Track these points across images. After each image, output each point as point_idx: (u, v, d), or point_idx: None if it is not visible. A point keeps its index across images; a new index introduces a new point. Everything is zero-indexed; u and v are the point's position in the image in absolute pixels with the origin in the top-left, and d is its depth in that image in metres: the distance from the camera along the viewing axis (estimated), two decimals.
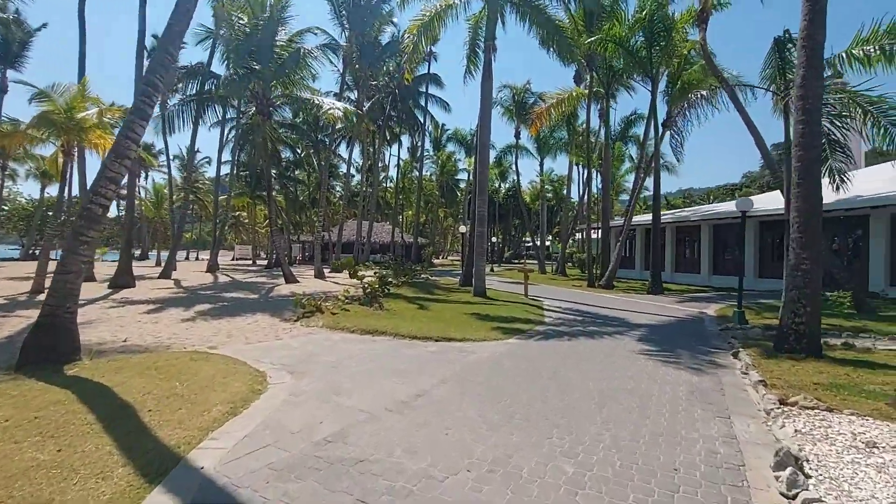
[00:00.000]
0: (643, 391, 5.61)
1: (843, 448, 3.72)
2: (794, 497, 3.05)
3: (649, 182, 24.46)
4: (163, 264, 26.38)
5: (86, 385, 5.37)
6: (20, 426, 4.09)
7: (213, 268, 27.33)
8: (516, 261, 56.57)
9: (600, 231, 24.89)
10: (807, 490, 3.07)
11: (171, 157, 36.63)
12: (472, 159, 31.72)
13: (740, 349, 7.78)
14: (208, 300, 14.18)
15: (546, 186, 43.04)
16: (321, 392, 5.40)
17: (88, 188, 12.99)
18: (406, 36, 17.86)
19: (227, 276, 25.26)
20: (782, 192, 12.79)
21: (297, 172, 41.51)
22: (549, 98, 25.75)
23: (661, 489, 3.30)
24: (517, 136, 35.10)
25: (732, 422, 4.62)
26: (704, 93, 15.57)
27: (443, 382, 5.83)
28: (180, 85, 24.95)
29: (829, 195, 9.77)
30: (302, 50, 20.45)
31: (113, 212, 51.77)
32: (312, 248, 30.07)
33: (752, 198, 12.96)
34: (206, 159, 55.59)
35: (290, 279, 20.19)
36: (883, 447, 3.69)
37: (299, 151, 39.17)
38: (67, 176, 17.22)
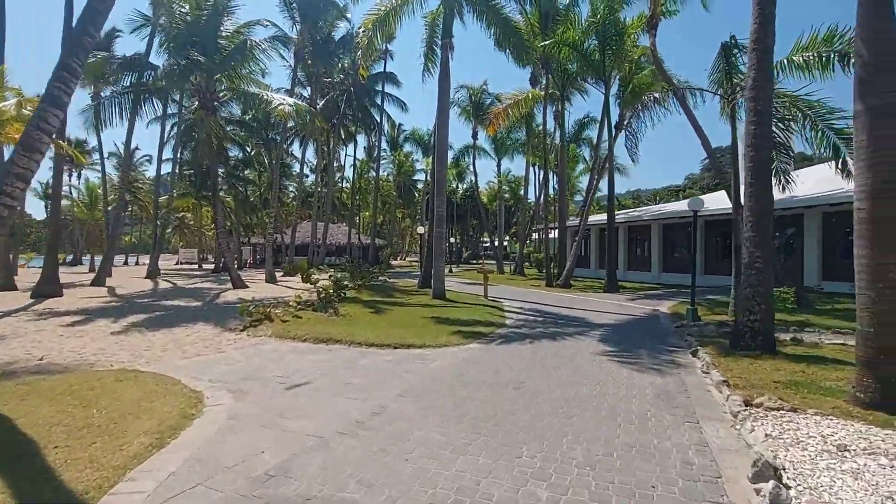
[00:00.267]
0: (611, 397, 5.43)
1: (816, 453, 3.62)
2: None
3: (603, 184, 25.08)
4: (97, 270, 24.32)
5: None
6: None
7: (153, 273, 25.52)
8: (475, 261, 56.75)
9: (557, 231, 25.21)
10: None
11: (107, 155, 34.05)
12: (430, 159, 31.37)
13: (698, 347, 7.82)
14: (144, 309, 13.03)
15: (503, 187, 43.34)
16: (265, 414, 4.85)
17: None
18: (360, 31, 17.25)
19: (169, 281, 23.60)
20: (728, 192, 13.23)
21: (246, 172, 39.63)
22: (506, 99, 25.86)
23: None
24: (474, 136, 35.08)
25: (702, 427, 4.49)
26: (657, 95, 15.90)
27: (402, 397, 5.40)
28: (113, 78, 23.10)
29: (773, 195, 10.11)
30: (249, 42, 19.36)
31: (42, 213, 47.55)
32: (264, 251, 28.72)
33: (689, 200, 13.40)
34: (147, 157, 51.94)
35: (239, 284, 19.07)
36: (854, 450, 3.62)
37: (249, 150, 37.42)
38: None
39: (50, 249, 17.49)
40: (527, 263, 34.30)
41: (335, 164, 44.54)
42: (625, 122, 20.47)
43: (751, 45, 7.86)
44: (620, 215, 28.85)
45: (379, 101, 36.33)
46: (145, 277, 25.08)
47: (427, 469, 3.58)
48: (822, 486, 3.15)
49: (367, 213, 55.46)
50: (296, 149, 39.45)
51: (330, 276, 14.84)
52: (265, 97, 18.61)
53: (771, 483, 3.04)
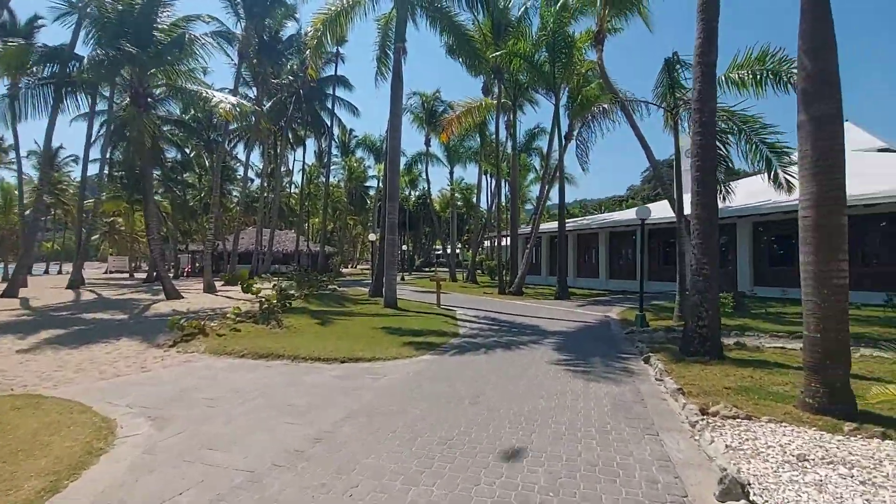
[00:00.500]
0: (569, 410, 5.23)
1: (778, 465, 3.55)
2: None
3: (553, 193, 25.58)
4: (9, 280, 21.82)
5: None
6: None
7: (75, 283, 23.27)
8: (427, 269, 56.46)
9: (509, 239, 25.39)
10: None
11: (25, 154, 30.95)
12: (382, 165, 30.89)
13: (650, 354, 7.87)
14: (61, 324, 11.68)
15: (456, 195, 43.43)
16: (189, 446, 4.24)
17: None
18: (309, 29, 16.61)
19: (94, 292, 21.58)
20: (671, 202, 13.72)
21: (186, 175, 37.28)
22: (459, 107, 25.92)
23: None
24: (427, 143, 34.94)
25: (662, 440, 4.36)
26: (606, 106, 16.35)
27: (349, 418, 4.94)
28: (35, 69, 20.95)
29: None
30: (188, 36, 18.18)
31: None
32: (204, 259, 26.98)
33: (636, 208, 13.83)
34: (73, 157, 47.82)
35: (173, 295, 17.67)
36: (813, 460, 3.59)
37: (189, 151, 35.25)
38: None
39: None
40: (479, 271, 34.38)
41: (283, 169, 42.94)
42: (574, 133, 20.95)
43: (696, 58, 8.08)
44: (570, 224, 29.53)
45: (330, 105, 35.49)
46: (66, 288, 22.80)
47: None
48: (788, 502, 3.05)
49: (317, 220, 53.87)
50: (240, 152, 37.63)
51: (274, 286, 14.01)
52: (204, 94, 17.48)
53: (742, 502, 2.89)
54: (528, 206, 48.43)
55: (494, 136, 27.01)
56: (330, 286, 20.22)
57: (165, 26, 18.51)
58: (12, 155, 36.40)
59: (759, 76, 11.63)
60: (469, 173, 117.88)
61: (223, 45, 24.00)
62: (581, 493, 3.35)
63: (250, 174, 37.64)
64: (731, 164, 12.90)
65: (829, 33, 4.69)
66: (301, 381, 6.54)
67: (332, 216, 56.70)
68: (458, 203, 45.67)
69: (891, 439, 3.99)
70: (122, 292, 22.09)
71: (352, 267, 62.93)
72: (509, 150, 26.25)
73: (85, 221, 27.18)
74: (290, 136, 38.99)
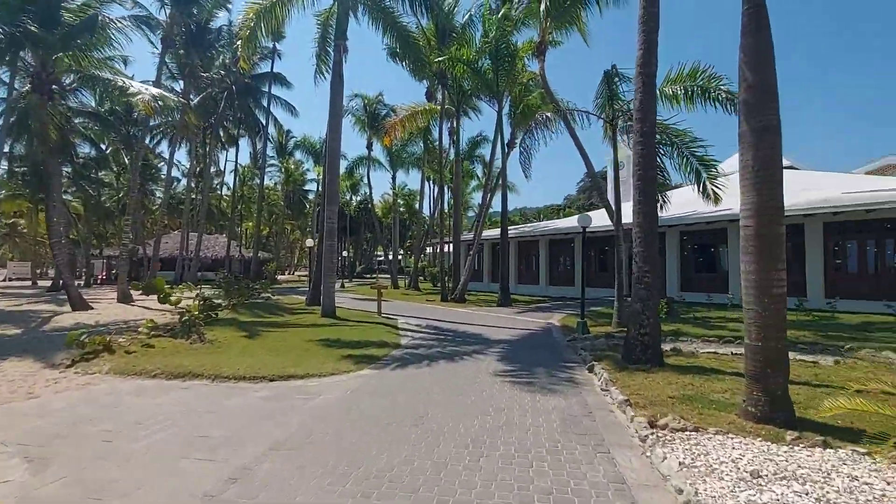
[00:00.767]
0: (518, 428, 4.93)
1: (734, 483, 3.42)
2: None
3: (495, 200, 25.73)
4: None
5: None
6: None
7: None
8: (368, 275, 55.22)
9: (452, 245, 25.23)
10: None
11: None
12: (322, 168, 29.70)
13: (594, 363, 7.81)
14: None
15: (399, 200, 42.80)
16: (72, 494, 3.47)
17: None
18: (241, 17, 15.54)
19: None
20: (609, 210, 14.10)
21: (101, 173, 33.86)
22: (402, 111, 25.55)
23: None
24: (369, 147, 34.13)
25: (614, 457, 4.16)
26: (549, 115, 16.60)
27: (274, 450, 4.32)
28: None
29: None
30: (101, 18, 16.42)
31: None
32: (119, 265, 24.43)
33: (577, 216, 14.09)
34: None
35: (79, 305, 15.74)
36: (766, 476, 3.50)
37: (105, 147, 32.03)
38: None
39: None
40: (421, 277, 33.96)
41: (213, 169, 40.28)
42: (517, 140, 21.20)
43: (637, 69, 8.21)
44: (512, 231, 29.92)
45: (265, 103, 33.71)
46: None
47: None
48: None
49: (251, 224, 51.06)
50: (165, 150, 34.79)
51: (197, 295, 12.78)
52: (120, 84, 15.81)
53: None
54: (471, 213, 48.73)
55: (438, 142, 26.86)
56: (263, 294, 18.94)
57: (75, 6, 16.66)
58: None
59: (689, 91, 12.21)
60: (412, 179, 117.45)
61: (145, 30, 22.12)
62: None
63: (176, 174, 34.90)
64: (666, 176, 13.43)
65: (769, 47, 4.79)
66: (221, 406, 5.78)
67: (269, 220, 54.08)
68: (401, 209, 45.06)
69: (831, 447, 4.03)
70: (20, 303, 19.54)
71: (289, 274, 60.24)
72: (452, 157, 26.17)
73: None
74: (222, 134, 36.67)
